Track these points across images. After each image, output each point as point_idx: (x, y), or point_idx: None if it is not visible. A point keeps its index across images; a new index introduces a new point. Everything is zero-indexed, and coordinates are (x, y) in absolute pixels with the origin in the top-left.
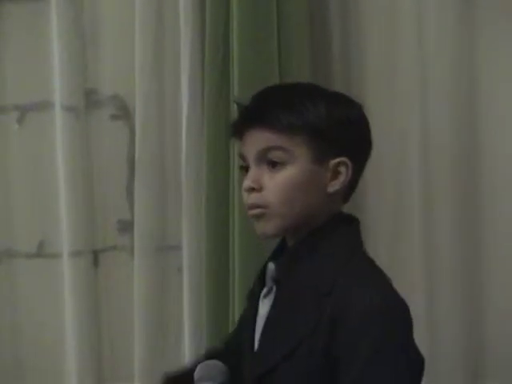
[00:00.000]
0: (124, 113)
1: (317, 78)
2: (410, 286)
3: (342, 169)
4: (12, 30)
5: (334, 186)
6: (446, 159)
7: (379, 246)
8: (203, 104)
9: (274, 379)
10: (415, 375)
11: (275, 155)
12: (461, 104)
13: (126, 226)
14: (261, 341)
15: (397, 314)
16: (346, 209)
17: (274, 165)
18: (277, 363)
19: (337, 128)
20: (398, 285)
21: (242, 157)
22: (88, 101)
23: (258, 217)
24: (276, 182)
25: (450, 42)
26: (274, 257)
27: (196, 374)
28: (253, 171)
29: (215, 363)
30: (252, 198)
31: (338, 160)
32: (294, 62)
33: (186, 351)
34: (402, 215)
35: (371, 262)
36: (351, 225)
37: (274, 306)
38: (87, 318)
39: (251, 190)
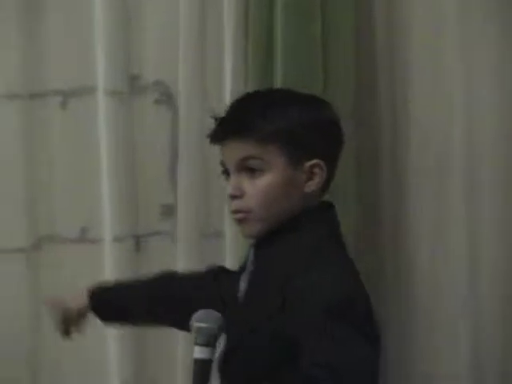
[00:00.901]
0: (167, 98)
1: (360, 56)
2: (452, 256)
3: (317, 170)
4: (56, 16)
5: (311, 186)
6: (489, 136)
7: (422, 227)
8: (247, 89)
9: (240, 353)
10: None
11: (253, 163)
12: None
13: (169, 211)
14: (232, 320)
15: (353, 306)
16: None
17: (252, 172)
18: (243, 338)
19: (308, 133)
20: (441, 260)
21: (223, 164)
22: (132, 86)
23: (241, 221)
24: (256, 188)
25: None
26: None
27: (196, 316)
28: (234, 179)
29: (215, 312)
30: (235, 204)
31: (312, 162)
32: (339, 41)
33: None
34: (446, 197)
35: (340, 251)
36: (326, 212)
37: (249, 286)
38: None
39: (233, 197)
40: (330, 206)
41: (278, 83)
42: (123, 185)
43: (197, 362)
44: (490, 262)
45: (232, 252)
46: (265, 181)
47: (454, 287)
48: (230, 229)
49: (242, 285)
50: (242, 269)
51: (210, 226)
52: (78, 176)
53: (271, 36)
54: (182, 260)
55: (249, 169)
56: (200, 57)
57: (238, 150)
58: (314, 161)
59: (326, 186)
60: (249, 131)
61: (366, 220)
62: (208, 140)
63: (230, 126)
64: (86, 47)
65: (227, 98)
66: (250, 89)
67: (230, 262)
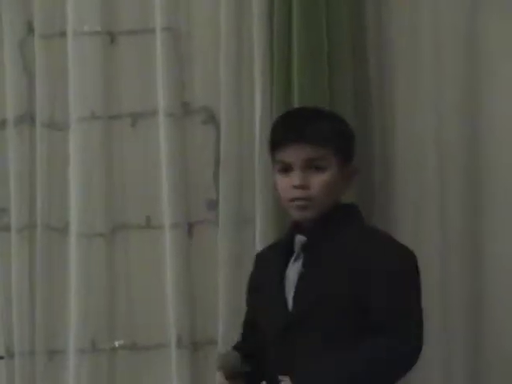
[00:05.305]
0: (211, 119)
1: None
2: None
3: (354, 172)
4: (128, 55)
5: (351, 183)
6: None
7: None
8: (272, 113)
9: (310, 320)
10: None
11: (319, 163)
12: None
13: (213, 204)
14: (296, 293)
15: (414, 262)
16: None
17: (317, 169)
18: (313, 304)
19: (351, 142)
20: None
21: (284, 162)
22: (184, 110)
23: (303, 207)
24: (319, 181)
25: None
26: (298, 232)
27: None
28: (300, 173)
29: (230, 352)
30: (301, 192)
31: (352, 166)
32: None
33: None
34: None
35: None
36: (356, 207)
37: (305, 266)
38: (183, 278)
39: (301, 187)
40: (355, 204)
41: (296, 103)
42: (178, 184)
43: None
44: None
45: (262, 236)
46: (326, 176)
47: None
48: (258, 218)
49: (294, 269)
50: (285, 254)
51: (244, 215)
52: (144, 177)
53: (290, 70)
54: (223, 242)
55: (314, 167)
56: (237, 89)
57: (306, 151)
58: (353, 165)
59: None
60: (317, 138)
61: None
62: (273, 142)
63: (300, 133)
64: (150, 81)
65: (257, 120)
66: (275, 112)
67: (260, 242)
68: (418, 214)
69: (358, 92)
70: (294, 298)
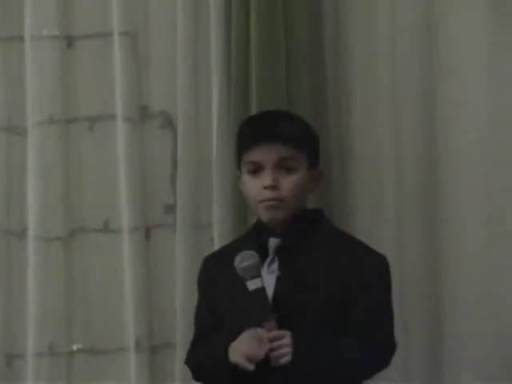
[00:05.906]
0: (169, 124)
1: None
2: None
3: (319, 175)
4: (86, 60)
5: (317, 186)
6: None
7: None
8: (229, 119)
9: (298, 321)
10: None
11: (290, 163)
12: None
13: (170, 208)
14: (276, 295)
15: (388, 264)
16: None
17: (288, 170)
18: (293, 306)
19: (317, 144)
20: None
21: (254, 163)
22: (142, 114)
23: (274, 207)
24: (290, 182)
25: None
26: (269, 235)
27: (237, 260)
28: (271, 173)
29: (248, 251)
30: (272, 193)
31: (318, 169)
32: (299, 77)
33: None
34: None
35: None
36: (322, 211)
37: (285, 268)
38: (141, 281)
39: (272, 187)
40: (320, 208)
41: (253, 109)
42: (136, 188)
43: (254, 292)
44: None
45: (220, 239)
46: (296, 177)
47: None
48: (216, 221)
49: (270, 272)
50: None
51: (201, 219)
52: (102, 181)
53: (247, 76)
54: (180, 245)
55: (285, 168)
56: (193, 93)
57: (279, 151)
58: (319, 168)
59: None
60: (290, 137)
61: None
62: (242, 144)
63: (275, 132)
64: (108, 84)
65: (214, 124)
66: (232, 117)
67: (218, 246)
68: (376, 213)
69: (314, 89)
70: (274, 300)
